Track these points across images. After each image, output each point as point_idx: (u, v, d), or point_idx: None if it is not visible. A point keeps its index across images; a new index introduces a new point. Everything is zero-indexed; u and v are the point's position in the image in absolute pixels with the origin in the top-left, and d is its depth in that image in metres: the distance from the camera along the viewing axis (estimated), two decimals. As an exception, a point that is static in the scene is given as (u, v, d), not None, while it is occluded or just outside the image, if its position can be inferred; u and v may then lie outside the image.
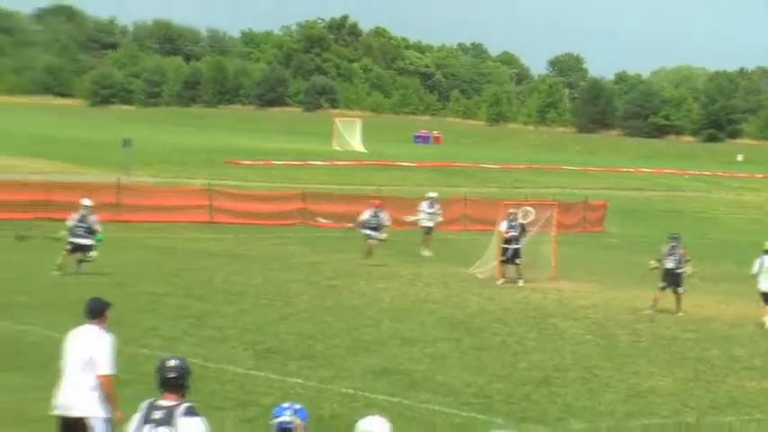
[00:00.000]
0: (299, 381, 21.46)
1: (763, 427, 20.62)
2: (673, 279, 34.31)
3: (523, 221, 40.30)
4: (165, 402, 11.28)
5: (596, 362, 25.65)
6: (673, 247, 35.88)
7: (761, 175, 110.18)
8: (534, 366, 24.59)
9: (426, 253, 43.16)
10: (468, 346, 26.60)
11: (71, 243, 34.23)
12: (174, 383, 11.38)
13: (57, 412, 14.24)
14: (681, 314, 33.33)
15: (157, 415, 11.21)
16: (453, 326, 29.23)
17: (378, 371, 23.00)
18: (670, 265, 34.80)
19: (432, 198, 45.38)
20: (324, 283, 34.91)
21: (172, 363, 11.48)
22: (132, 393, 12.97)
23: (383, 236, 41.23)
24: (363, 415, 10.47)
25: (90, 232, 34.59)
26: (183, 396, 11.40)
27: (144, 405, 11.34)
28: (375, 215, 41.46)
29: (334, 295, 33.28)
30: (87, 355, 14.09)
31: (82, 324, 14.34)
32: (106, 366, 14.04)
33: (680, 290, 34.31)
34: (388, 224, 41.86)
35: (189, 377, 11.54)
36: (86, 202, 35.64)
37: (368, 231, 41.11)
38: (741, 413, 21.57)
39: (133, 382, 15.55)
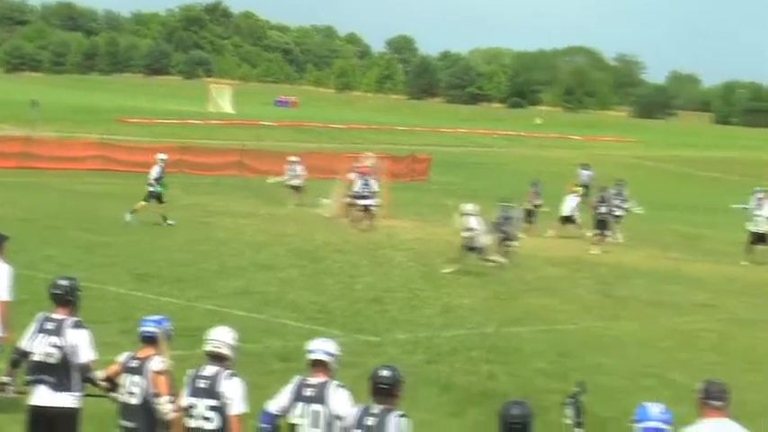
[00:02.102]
0: (171, 299, 21.28)
1: (548, 336, 20.92)
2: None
3: (366, 164, 40.30)
4: (57, 316, 11.01)
5: (418, 284, 25.79)
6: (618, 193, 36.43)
7: (555, 135, 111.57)
8: (367, 288, 24.67)
9: (292, 204, 41.79)
10: (312, 271, 26.58)
11: None
12: (63, 299, 11.09)
13: None
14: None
15: (49, 326, 10.94)
16: (301, 255, 29.13)
17: (238, 291, 22.88)
18: (602, 210, 34.67)
19: (294, 161, 44.11)
20: (197, 220, 34.54)
21: (61, 282, 11.19)
22: (27, 310, 12.64)
23: (377, 201, 37.62)
24: (217, 325, 10.33)
25: None
26: (72, 311, 11.14)
27: (39, 316, 11.03)
28: (365, 184, 37.62)
29: (206, 230, 33.02)
30: None
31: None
32: (3, 293, 13.54)
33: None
34: (377, 189, 37.89)
35: (77, 294, 11.27)
36: None
37: (361, 201, 37.39)
38: (530, 325, 21.91)
39: (29, 301, 15.20)
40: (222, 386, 9.66)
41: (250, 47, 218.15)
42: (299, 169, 43.20)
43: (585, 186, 54.26)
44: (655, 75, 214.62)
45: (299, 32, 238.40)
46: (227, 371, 9.79)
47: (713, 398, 8.94)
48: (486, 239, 27.96)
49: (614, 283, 28.06)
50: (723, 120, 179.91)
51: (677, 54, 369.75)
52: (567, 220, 38.30)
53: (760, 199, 36.33)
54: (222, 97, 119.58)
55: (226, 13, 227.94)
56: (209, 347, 9.91)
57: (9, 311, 13.60)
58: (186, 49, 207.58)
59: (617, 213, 36.69)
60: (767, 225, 33.83)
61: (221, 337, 9.96)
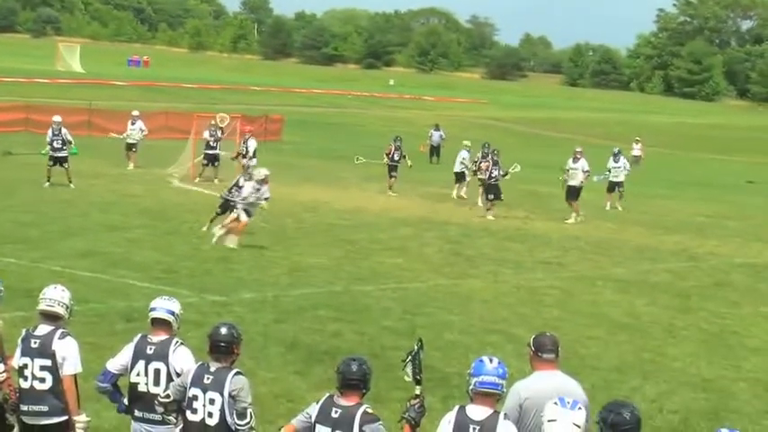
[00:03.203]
0: (13, 260, 20.82)
1: (397, 294, 21.02)
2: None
3: (221, 125, 40.05)
4: None
5: (267, 244, 25.69)
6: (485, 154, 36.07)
7: (408, 96, 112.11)
8: (215, 248, 24.43)
9: (131, 166, 41.11)
10: (161, 231, 26.31)
11: None
12: None
13: None
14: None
15: None
16: (150, 215, 28.81)
17: (83, 252, 22.50)
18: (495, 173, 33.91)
19: (135, 116, 43.29)
20: (42, 180, 33.77)
21: None
22: None
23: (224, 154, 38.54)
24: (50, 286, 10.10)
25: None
26: None
27: None
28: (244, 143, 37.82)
29: (50, 191, 32.38)
30: None
31: None
32: None
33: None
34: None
35: None
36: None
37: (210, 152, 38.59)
38: (379, 283, 21.95)
39: None
40: (55, 345, 9.49)
41: (101, 5, 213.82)
42: (140, 125, 42.15)
43: (437, 147, 54.95)
44: (508, 37, 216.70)
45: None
46: (61, 330, 9.62)
47: (544, 351, 9.06)
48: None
49: (462, 242, 28.33)
50: (573, 82, 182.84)
51: (530, 17, 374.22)
52: (460, 176, 39.46)
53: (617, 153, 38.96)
54: (71, 56, 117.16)
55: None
56: (42, 306, 9.73)
57: None
58: (34, 7, 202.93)
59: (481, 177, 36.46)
60: (581, 179, 34.69)
61: (55, 296, 9.78)
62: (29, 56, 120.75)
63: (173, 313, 9.71)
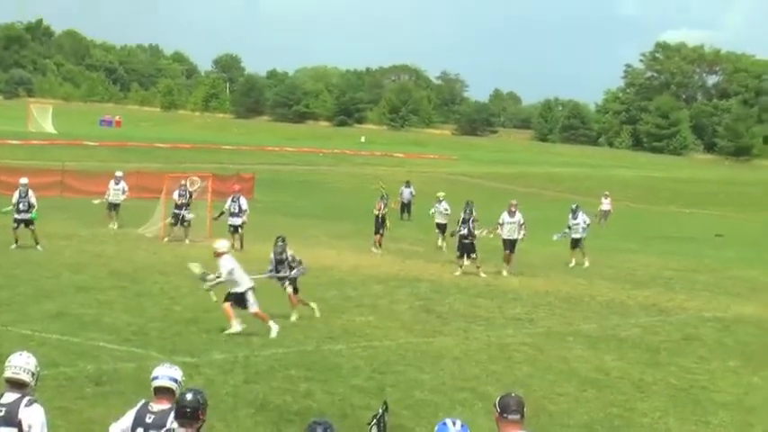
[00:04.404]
0: (-17, 325, 20.73)
1: (367, 352, 20.97)
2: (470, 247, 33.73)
3: (191, 189, 40.08)
4: None
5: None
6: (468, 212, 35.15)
7: (379, 153, 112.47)
8: (186, 309, 24.39)
9: (114, 225, 41.17)
10: (132, 293, 26.24)
11: None
12: None
13: None
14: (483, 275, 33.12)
15: None
16: (121, 277, 28.73)
17: (54, 314, 22.41)
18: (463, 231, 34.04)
19: (118, 177, 43.30)
20: (9, 242, 33.47)
21: None
22: None
23: (245, 220, 37.88)
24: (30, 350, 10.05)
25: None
26: None
27: None
28: (233, 201, 38.06)
29: (20, 252, 32.24)
30: None
31: None
32: None
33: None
34: (246, 208, 38.12)
35: None
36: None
37: (231, 220, 37.68)
38: (350, 342, 21.92)
39: None
40: (21, 414, 9.42)
41: (73, 66, 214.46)
42: (122, 186, 42.27)
43: (408, 203, 55.04)
44: (478, 93, 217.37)
45: (123, 51, 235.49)
46: (27, 397, 9.56)
47: (509, 412, 9.04)
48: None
49: (433, 299, 28.31)
50: (542, 137, 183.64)
51: (499, 73, 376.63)
52: (441, 227, 41.14)
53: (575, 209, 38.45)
54: (43, 116, 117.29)
55: (48, 32, 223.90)
56: (8, 374, 9.67)
57: None
58: (6, 69, 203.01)
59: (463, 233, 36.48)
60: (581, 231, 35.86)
61: (21, 363, 9.72)
62: (1, 117, 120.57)
63: (176, 381, 9.76)
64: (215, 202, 41.43)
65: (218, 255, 22.42)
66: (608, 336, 24.57)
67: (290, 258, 24.73)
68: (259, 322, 22.26)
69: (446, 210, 42.12)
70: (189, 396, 9.19)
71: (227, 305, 22.17)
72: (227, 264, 22.21)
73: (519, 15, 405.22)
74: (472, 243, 33.66)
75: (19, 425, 9.38)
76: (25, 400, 9.51)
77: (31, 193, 34.15)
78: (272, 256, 25.04)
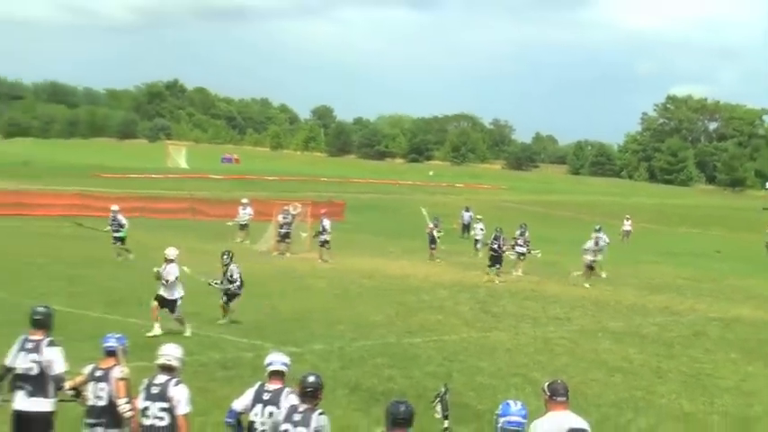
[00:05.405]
0: (135, 320, 20.85)
1: (437, 344, 20.95)
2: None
3: (293, 213, 40.29)
4: (35, 336, 10.84)
5: (333, 305, 25.72)
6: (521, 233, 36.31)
7: (444, 184, 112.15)
8: (291, 309, 24.53)
9: (247, 242, 41.05)
10: (250, 295, 26.07)
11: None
12: (40, 323, 10.93)
13: None
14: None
15: (29, 345, 10.78)
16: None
17: (190, 314, 21.95)
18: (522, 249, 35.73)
19: (245, 203, 44.07)
20: (154, 256, 33.76)
21: (39, 309, 11.03)
22: (8, 332, 12.33)
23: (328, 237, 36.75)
24: (171, 341, 10.22)
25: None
26: (47, 332, 10.96)
27: (21, 338, 10.88)
28: (322, 224, 37.07)
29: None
30: None
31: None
32: None
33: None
34: (329, 228, 36.93)
35: (51, 319, 11.10)
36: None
37: (321, 237, 36.82)
38: (424, 336, 21.91)
39: (8, 323, 14.90)
40: (171, 391, 9.60)
41: (201, 115, 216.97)
42: (249, 211, 43.16)
43: (467, 224, 54.81)
44: (522, 135, 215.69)
45: (241, 103, 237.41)
46: (175, 379, 9.73)
47: (558, 395, 9.02)
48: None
49: (488, 302, 28.18)
50: (575, 171, 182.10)
51: (540, 119, 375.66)
52: (478, 242, 42.45)
53: (598, 229, 37.95)
54: (178, 155, 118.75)
55: (182, 89, 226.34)
56: (161, 360, 9.86)
57: None
58: (150, 118, 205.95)
59: (520, 251, 36.24)
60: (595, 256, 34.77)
61: (171, 352, 9.93)
62: (146, 157, 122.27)
63: (286, 365, 9.91)
64: (313, 224, 41.61)
65: (168, 261, 20.59)
66: (631, 332, 24.33)
67: (229, 274, 22.45)
68: (352, 322, 22.30)
69: (482, 229, 43.58)
70: (311, 378, 9.27)
71: (155, 306, 20.25)
72: (174, 271, 20.48)
73: (557, 74, 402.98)
74: (500, 255, 33.48)
75: (170, 400, 9.57)
76: (174, 380, 9.70)
77: (119, 216, 34.22)
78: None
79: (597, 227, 38.76)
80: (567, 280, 34.17)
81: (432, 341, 21.34)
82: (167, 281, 20.34)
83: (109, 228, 34.08)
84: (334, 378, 16.62)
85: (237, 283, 22.44)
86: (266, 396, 9.60)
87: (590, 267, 33.97)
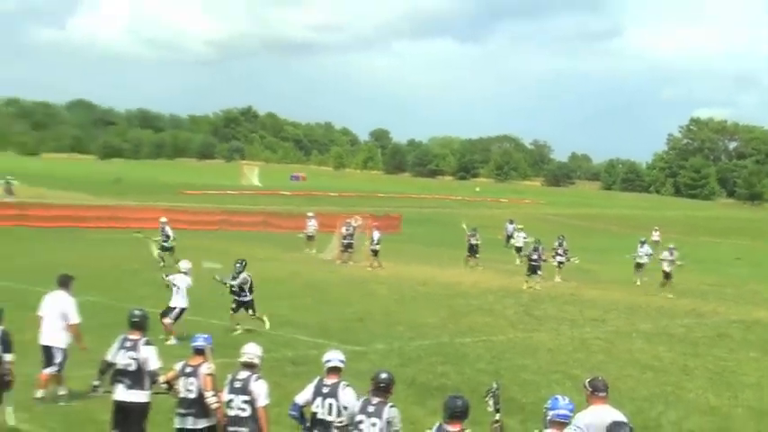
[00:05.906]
0: (218, 322, 21.00)
1: (486, 344, 20.88)
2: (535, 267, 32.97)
3: (355, 225, 40.35)
4: (133, 336, 11.07)
5: (392, 308, 25.72)
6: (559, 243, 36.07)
7: (489, 199, 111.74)
8: (355, 312, 24.54)
9: (313, 251, 41.04)
10: (316, 300, 26.50)
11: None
12: (137, 324, 11.17)
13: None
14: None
15: (128, 344, 11.01)
16: (310, 288, 29.06)
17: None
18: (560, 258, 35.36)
19: (310, 216, 44.09)
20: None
21: (136, 312, 11.26)
22: (109, 333, 12.47)
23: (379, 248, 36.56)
24: (249, 340, 10.30)
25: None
26: (143, 333, 11.18)
27: (120, 337, 11.11)
28: (375, 234, 37.18)
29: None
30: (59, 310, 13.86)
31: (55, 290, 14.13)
32: (75, 317, 13.90)
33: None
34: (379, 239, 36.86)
35: (147, 320, 11.32)
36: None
37: (372, 248, 36.71)
38: (474, 336, 21.85)
39: (108, 325, 15.06)
40: (252, 386, 9.69)
41: (272, 138, 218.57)
42: (314, 223, 43.33)
43: (511, 235, 54.42)
44: (560, 155, 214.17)
45: (307, 127, 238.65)
46: (256, 374, 9.82)
47: (598, 390, 8.99)
48: None
49: (531, 305, 28.00)
50: (608, 187, 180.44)
51: (576, 140, 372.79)
52: (519, 249, 42.01)
53: (643, 242, 37.88)
54: (252, 174, 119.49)
55: (255, 115, 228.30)
56: (244, 358, 9.96)
57: (79, 330, 13.92)
58: (227, 141, 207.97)
59: (560, 260, 35.85)
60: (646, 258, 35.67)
61: (253, 351, 10.03)
62: (223, 175, 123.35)
63: (342, 362, 9.83)
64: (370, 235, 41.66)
65: (180, 273, 19.71)
66: (661, 333, 24.06)
67: (241, 280, 20.90)
68: (409, 324, 22.25)
69: (524, 237, 43.05)
70: (384, 375, 9.23)
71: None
72: (184, 282, 19.52)
73: (591, 99, 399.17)
74: (539, 264, 33.08)
75: (251, 393, 9.67)
76: (254, 376, 9.78)
77: (167, 228, 34.17)
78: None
79: (642, 239, 38.45)
80: (602, 286, 33.78)
81: (480, 341, 21.27)
82: (178, 287, 19.40)
83: (159, 238, 34.15)
84: (394, 374, 16.38)
85: (246, 293, 20.87)
86: (325, 390, 9.57)
87: (666, 276, 33.62)
